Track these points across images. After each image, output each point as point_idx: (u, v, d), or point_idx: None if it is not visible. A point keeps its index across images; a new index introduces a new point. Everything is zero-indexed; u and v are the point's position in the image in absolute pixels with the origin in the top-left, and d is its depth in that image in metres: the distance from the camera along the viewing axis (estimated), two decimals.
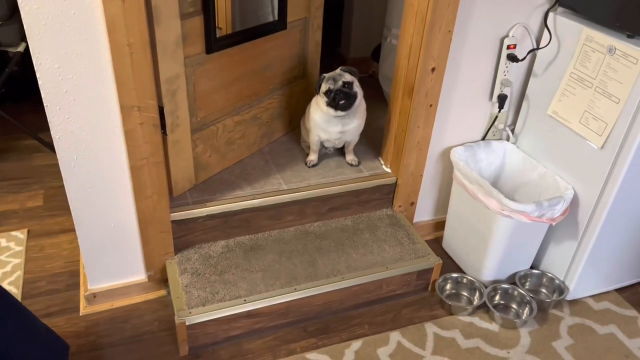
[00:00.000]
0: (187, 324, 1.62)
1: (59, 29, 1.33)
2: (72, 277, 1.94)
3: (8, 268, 1.94)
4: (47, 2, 1.29)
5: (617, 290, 2.05)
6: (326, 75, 1.90)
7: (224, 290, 1.71)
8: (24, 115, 2.84)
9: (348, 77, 1.89)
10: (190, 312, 1.63)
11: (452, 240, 2.14)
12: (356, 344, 1.75)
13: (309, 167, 2.08)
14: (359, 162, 2.12)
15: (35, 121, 2.75)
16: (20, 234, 2.10)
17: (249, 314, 1.70)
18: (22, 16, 1.28)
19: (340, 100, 1.87)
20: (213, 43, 1.72)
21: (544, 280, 2.00)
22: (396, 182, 2.06)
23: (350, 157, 2.12)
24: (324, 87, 1.89)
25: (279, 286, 1.75)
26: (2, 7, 2.22)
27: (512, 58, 1.87)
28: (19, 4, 1.27)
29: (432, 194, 2.17)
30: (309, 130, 2.05)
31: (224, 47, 1.79)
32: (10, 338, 1.05)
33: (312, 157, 2.09)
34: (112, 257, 1.76)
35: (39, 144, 2.63)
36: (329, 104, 1.89)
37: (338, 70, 1.91)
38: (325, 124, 1.96)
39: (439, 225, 2.24)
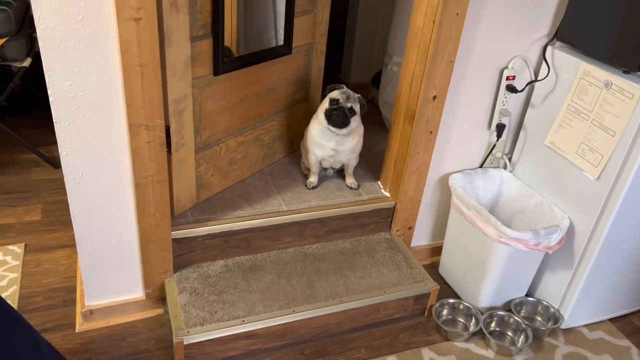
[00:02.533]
0: (185, 343, 1.62)
1: (72, 48, 1.35)
2: (68, 293, 1.93)
3: (4, 282, 1.93)
4: (63, 22, 1.31)
5: (610, 320, 2.07)
6: (338, 89, 1.95)
7: (223, 310, 1.71)
8: (23, 129, 2.85)
9: (355, 107, 1.94)
10: (189, 332, 1.63)
11: (448, 265, 2.15)
12: None
13: (309, 189, 2.10)
14: (359, 186, 2.15)
15: (35, 136, 2.76)
16: (17, 248, 2.10)
17: (247, 335, 1.70)
18: (37, 34, 1.31)
19: (337, 117, 1.91)
20: (220, 65, 1.76)
21: (539, 308, 2.02)
22: (395, 207, 2.09)
23: (350, 180, 2.14)
24: (331, 96, 1.94)
25: (277, 307, 1.75)
26: (10, 23, 2.25)
27: (511, 89, 1.92)
28: (35, 22, 1.30)
29: (429, 219, 2.19)
30: (307, 149, 2.07)
31: (231, 70, 1.82)
32: (14, 352, 1.04)
33: (312, 179, 2.11)
34: (111, 274, 1.75)
35: (39, 158, 2.64)
36: (326, 115, 1.93)
37: (351, 93, 1.96)
38: (320, 137, 1.99)
39: (436, 250, 2.26)
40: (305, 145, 2.10)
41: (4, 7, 2.25)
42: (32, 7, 1.28)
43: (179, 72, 1.64)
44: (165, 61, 1.57)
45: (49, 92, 1.39)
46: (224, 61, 1.77)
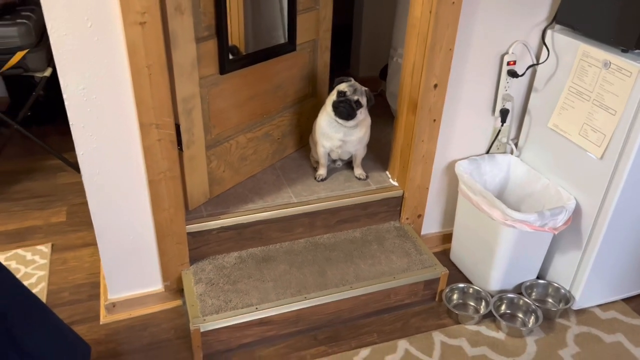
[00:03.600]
0: (201, 330, 1.69)
1: (84, 54, 1.44)
2: (93, 288, 2.03)
3: (33, 280, 2.05)
4: (74, 30, 1.40)
5: (624, 300, 2.07)
6: (346, 82, 2.00)
7: (237, 299, 1.79)
8: (49, 137, 2.99)
9: (362, 100, 1.99)
10: (205, 320, 1.70)
11: (459, 251, 2.19)
12: (365, 352, 1.80)
13: (319, 181, 2.16)
14: (367, 176, 2.20)
15: (59, 142, 2.89)
16: (45, 248, 2.21)
17: (260, 322, 1.77)
18: (51, 42, 1.40)
19: (343, 110, 1.97)
20: (226, 64, 1.83)
21: (550, 290, 2.03)
22: (403, 195, 2.13)
23: (358, 171, 2.20)
24: (339, 88, 1.99)
25: (290, 295, 1.82)
26: (31, 35, 2.37)
27: (512, 74, 1.95)
28: (48, 31, 1.39)
29: (439, 207, 2.23)
30: (316, 142, 2.13)
31: (236, 68, 1.89)
32: (39, 336, 1.13)
33: (321, 171, 2.17)
34: (131, 268, 1.85)
35: (63, 164, 2.76)
36: (334, 107, 1.98)
37: (359, 86, 2.01)
38: (328, 128, 2.05)
39: (447, 237, 2.30)
40: (314, 138, 2.16)
41: (24, 20, 2.37)
42: (45, 17, 1.37)
43: (186, 73, 1.72)
44: (173, 62, 1.65)
45: (64, 96, 1.48)
46: (229, 60, 1.84)
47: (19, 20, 2.37)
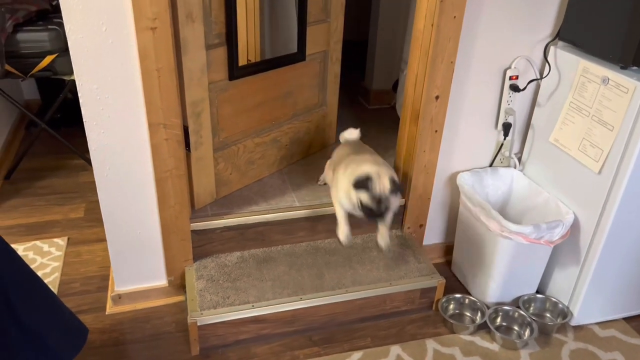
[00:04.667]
0: (198, 324, 1.76)
1: (98, 55, 1.55)
2: (103, 281, 2.13)
3: (48, 270, 2.16)
4: (90, 33, 1.51)
5: (625, 319, 2.05)
6: (373, 180, 1.69)
7: (235, 296, 1.85)
8: (75, 138, 3.13)
9: (391, 204, 1.74)
10: (202, 313, 1.77)
11: (460, 263, 2.20)
12: (357, 355, 1.84)
13: (344, 246, 1.93)
14: (390, 249, 1.92)
15: (84, 144, 3.01)
16: (61, 241, 2.33)
17: (256, 319, 1.83)
18: (69, 44, 1.51)
19: (370, 216, 1.76)
20: (235, 71, 1.92)
21: (548, 304, 2.03)
22: (405, 204, 2.17)
23: (382, 240, 1.88)
24: (365, 196, 1.71)
25: (286, 295, 1.87)
26: (60, 40, 2.53)
27: (515, 88, 1.98)
28: (66, 34, 1.50)
29: (441, 218, 2.25)
30: (332, 197, 1.90)
31: (244, 75, 1.98)
32: (38, 312, 1.22)
33: (343, 233, 1.87)
34: (137, 261, 1.93)
35: (86, 163, 2.90)
36: (362, 210, 1.75)
37: (382, 191, 1.70)
38: (352, 210, 1.83)
39: (450, 249, 2.31)
40: (331, 187, 1.93)
41: (55, 27, 2.53)
42: (64, 21, 1.49)
43: (196, 78, 1.81)
44: (183, 67, 1.75)
45: (79, 94, 1.59)
46: (238, 67, 1.93)
47: (50, 27, 2.52)
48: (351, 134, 2.09)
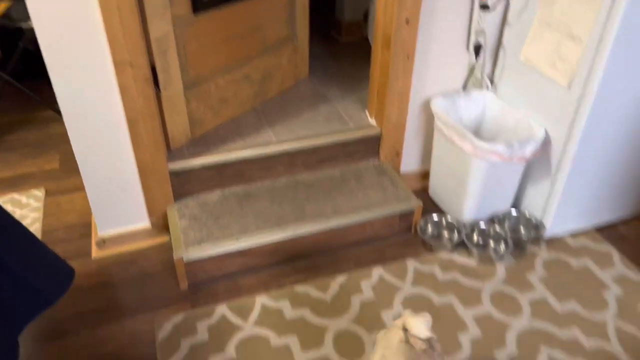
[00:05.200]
0: (184, 260, 1.79)
1: None
2: (84, 228, 2.13)
3: (28, 221, 2.15)
4: None
5: (597, 229, 2.14)
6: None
7: (218, 232, 1.88)
8: (42, 90, 3.05)
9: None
10: (187, 250, 1.80)
11: (436, 186, 2.25)
12: (341, 278, 1.90)
13: None
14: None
15: (52, 95, 2.95)
16: (39, 192, 2.31)
17: (241, 253, 1.87)
18: None
19: None
20: (199, 3, 1.86)
21: (522, 219, 2.11)
22: (381, 133, 2.18)
23: None
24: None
25: (269, 227, 1.91)
26: None
27: (484, 7, 1.96)
28: None
29: (417, 145, 2.28)
30: None
31: (209, 8, 1.92)
32: (20, 253, 1.23)
33: None
34: (117, 205, 1.94)
35: (56, 115, 2.84)
36: None
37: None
38: None
39: (427, 175, 2.36)
40: None
41: None
42: None
43: (159, 13, 1.76)
44: (144, 1, 1.69)
45: (38, 38, 1.54)
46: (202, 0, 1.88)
47: None
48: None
